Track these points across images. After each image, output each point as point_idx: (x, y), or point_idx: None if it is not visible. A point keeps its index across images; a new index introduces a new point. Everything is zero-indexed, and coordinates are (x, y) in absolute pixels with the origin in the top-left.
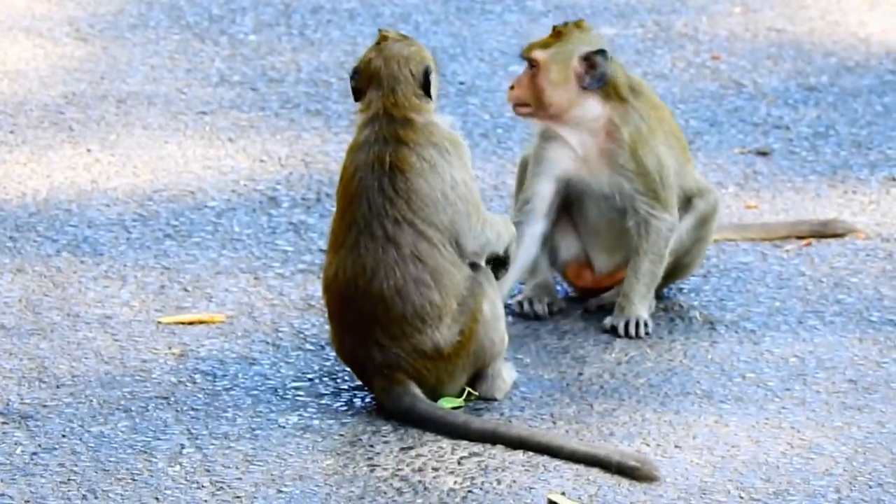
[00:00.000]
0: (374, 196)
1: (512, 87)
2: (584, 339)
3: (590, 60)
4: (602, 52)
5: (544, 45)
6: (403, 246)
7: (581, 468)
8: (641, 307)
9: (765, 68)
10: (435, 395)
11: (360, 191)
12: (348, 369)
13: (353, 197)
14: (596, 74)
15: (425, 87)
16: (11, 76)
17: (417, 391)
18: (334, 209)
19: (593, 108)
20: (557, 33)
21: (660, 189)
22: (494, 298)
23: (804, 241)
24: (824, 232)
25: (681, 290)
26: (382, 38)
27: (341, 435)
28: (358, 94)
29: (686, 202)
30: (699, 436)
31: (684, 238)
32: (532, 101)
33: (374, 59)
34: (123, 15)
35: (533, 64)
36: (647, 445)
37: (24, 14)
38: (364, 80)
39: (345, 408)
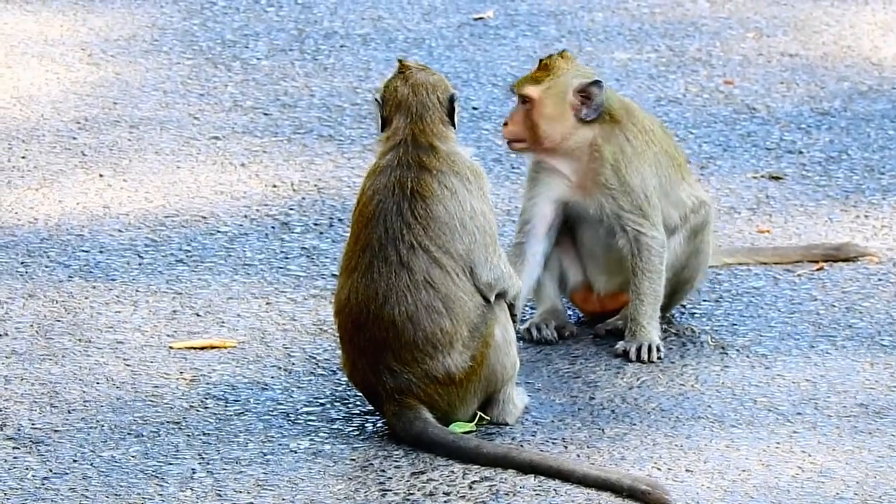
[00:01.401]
0: (392, 219)
1: (506, 124)
2: (595, 363)
3: (585, 92)
4: (597, 82)
5: (535, 79)
6: (417, 272)
7: (592, 493)
8: (652, 330)
9: (778, 93)
10: (447, 419)
11: (377, 214)
12: (360, 394)
13: (370, 220)
14: (593, 105)
15: (451, 114)
16: (24, 101)
17: (429, 416)
18: (348, 233)
19: (586, 135)
20: (545, 66)
21: (646, 207)
22: (506, 324)
23: (816, 266)
24: (837, 256)
25: (693, 314)
26: (404, 68)
27: (353, 460)
28: (383, 123)
29: (683, 219)
30: (710, 460)
31: (678, 252)
32: (527, 137)
33: (401, 87)
34: (136, 40)
35: (526, 100)
36: (659, 469)
37: (36, 39)
38: (390, 108)
39: (356, 432)
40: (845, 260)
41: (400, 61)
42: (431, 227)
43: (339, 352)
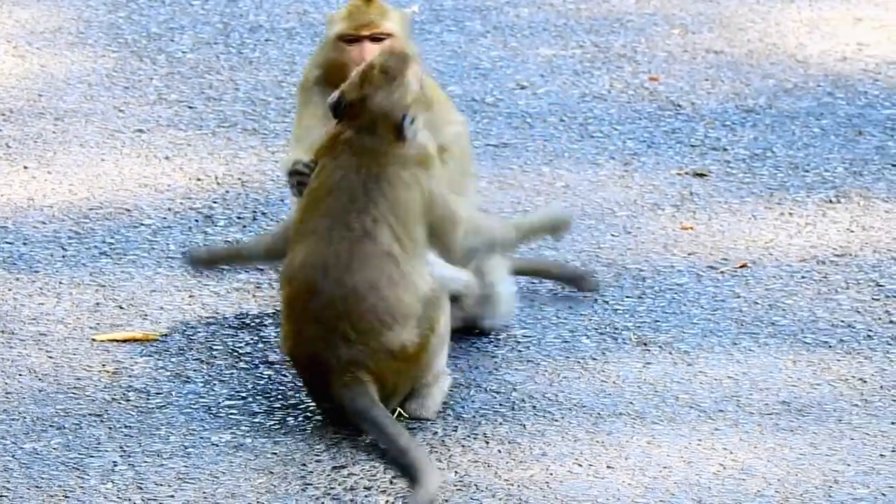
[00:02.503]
0: (357, 193)
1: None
2: (515, 358)
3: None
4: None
5: (379, 14)
6: (381, 243)
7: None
8: None
9: (703, 90)
10: (388, 401)
11: (341, 185)
12: (287, 382)
13: (332, 191)
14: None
15: (400, 131)
16: None
17: (375, 396)
18: (272, 226)
19: None
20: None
21: None
22: (448, 317)
23: (739, 263)
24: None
25: (615, 310)
26: (370, 68)
27: (274, 454)
28: (339, 116)
29: None
30: (631, 457)
31: None
32: None
33: (359, 89)
34: (62, 32)
35: (385, 36)
36: (580, 465)
37: None
38: (347, 108)
39: (278, 426)
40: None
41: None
42: (395, 209)
43: (261, 345)
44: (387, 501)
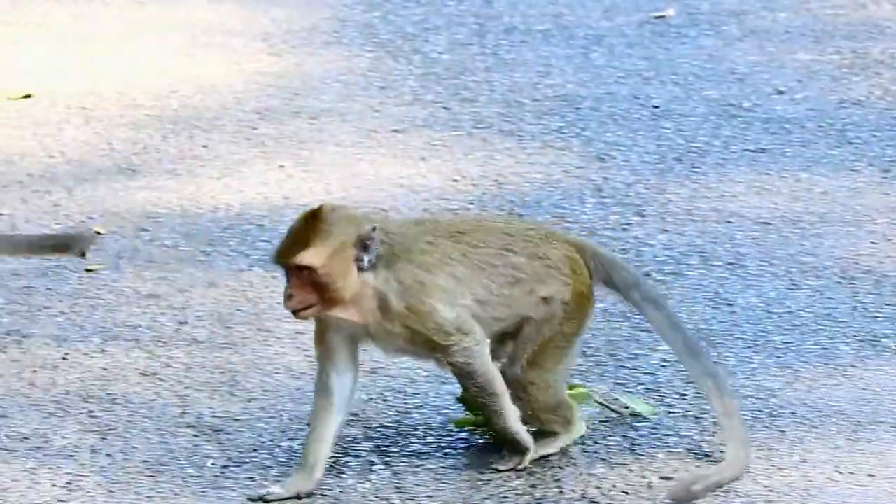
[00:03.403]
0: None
1: (291, 296)
2: (774, 364)
3: (364, 242)
4: (373, 228)
5: (305, 244)
6: None
7: None
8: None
9: None
10: None
11: None
12: None
13: None
14: (371, 251)
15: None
16: (205, 91)
17: None
18: None
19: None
20: (309, 229)
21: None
22: None
23: None
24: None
25: (875, 318)
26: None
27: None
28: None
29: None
30: (892, 465)
31: None
32: (317, 301)
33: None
34: (317, 31)
35: (305, 269)
36: (840, 473)
37: (218, 29)
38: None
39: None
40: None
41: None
42: None
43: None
44: (650, 499)
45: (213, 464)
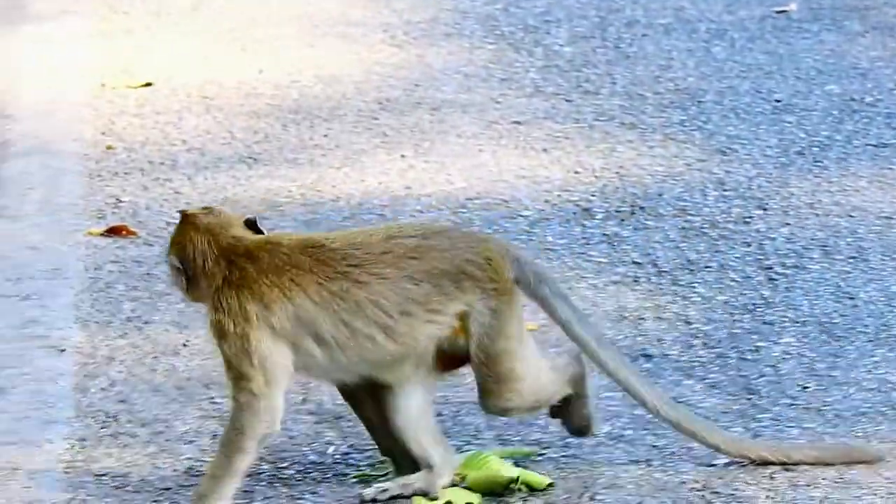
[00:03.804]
0: None
1: None
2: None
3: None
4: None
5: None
6: None
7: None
8: None
9: None
10: None
11: None
12: (668, 372)
13: None
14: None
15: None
16: (326, 81)
17: None
18: (649, 222)
19: None
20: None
21: None
22: None
23: None
24: None
25: None
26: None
27: (654, 446)
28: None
29: None
30: None
31: None
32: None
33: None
34: (437, 23)
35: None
36: None
37: (339, 20)
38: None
39: (655, 419)
40: None
41: (181, 211)
42: None
43: (639, 338)
44: (767, 496)
45: (334, 450)
